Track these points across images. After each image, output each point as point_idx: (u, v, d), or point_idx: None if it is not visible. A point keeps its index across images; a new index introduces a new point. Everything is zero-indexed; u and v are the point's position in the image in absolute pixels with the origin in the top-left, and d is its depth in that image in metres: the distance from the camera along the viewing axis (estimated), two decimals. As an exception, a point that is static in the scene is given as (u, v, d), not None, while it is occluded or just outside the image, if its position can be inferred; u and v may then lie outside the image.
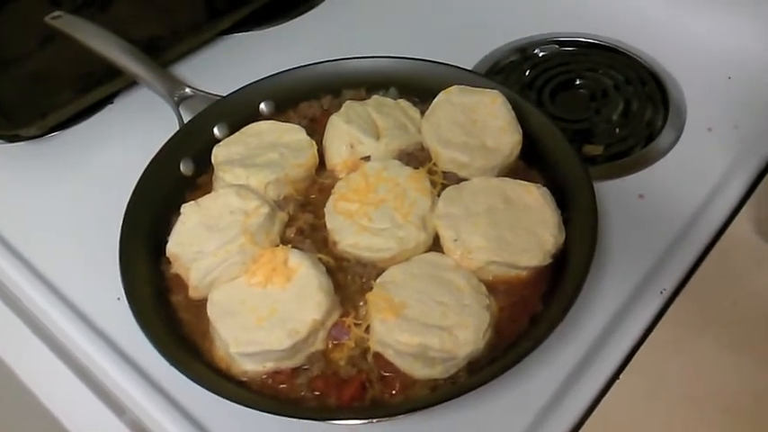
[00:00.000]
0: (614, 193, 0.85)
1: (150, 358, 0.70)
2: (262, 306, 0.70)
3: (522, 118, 0.83)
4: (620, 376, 0.70)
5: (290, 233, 0.78)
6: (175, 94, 0.93)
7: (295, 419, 0.64)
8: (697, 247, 0.79)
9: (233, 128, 0.89)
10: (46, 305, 0.81)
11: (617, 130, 0.95)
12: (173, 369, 0.65)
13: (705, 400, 0.68)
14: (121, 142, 0.99)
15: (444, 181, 0.81)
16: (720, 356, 0.71)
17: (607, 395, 0.69)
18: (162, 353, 0.66)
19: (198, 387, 0.64)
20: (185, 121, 0.90)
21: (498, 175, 0.81)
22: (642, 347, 0.72)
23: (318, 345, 0.69)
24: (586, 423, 0.67)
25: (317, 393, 0.67)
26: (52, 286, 0.83)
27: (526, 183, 0.78)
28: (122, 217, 0.77)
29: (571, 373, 0.70)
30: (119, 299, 0.73)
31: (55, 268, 0.85)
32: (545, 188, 0.77)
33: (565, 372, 0.71)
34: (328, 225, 0.77)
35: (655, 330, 0.73)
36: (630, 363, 0.71)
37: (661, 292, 0.75)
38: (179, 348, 0.70)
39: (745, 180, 0.85)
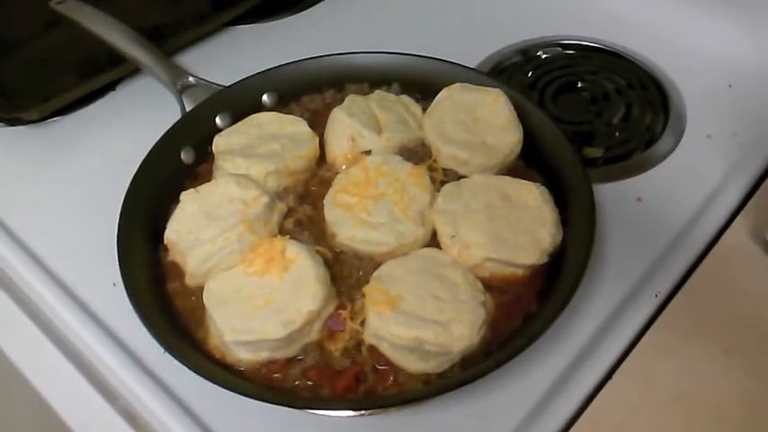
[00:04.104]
0: (613, 196, 0.85)
1: (145, 345, 0.71)
2: (258, 295, 0.70)
3: (523, 117, 0.84)
4: (613, 377, 0.70)
5: (289, 224, 0.78)
6: (178, 82, 0.93)
7: (288, 409, 0.65)
8: (693, 252, 0.79)
9: (235, 118, 0.89)
10: (41, 288, 0.81)
11: (617, 133, 0.95)
12: (167, 356, 0.65)
13: (696, 403, 0.68)
14: (123, 129, 0.99)
15: (444, 178, 0.81)
16: (713, 360, 0.71)
17: (599, 395, 0.69)
18: (157, 339, 0.66)
19: (192, 374, 0.64)
20: (187, 110, 0.90)
21: (498, 174, 0.81)
22: (635, 349, 0.72)
23: (314, 336, 0.69)
24: (577, 422, 0.67)
25: (311, 384, 0.67)
26: (48, 270, 0.83)
27: (525, 181, 0.78)
28: (121, 203, 0.77)
29: (564, 372, 0.71)
30: (115, 284, 0.73)
31: (52, 252, 0.85)
32: (544, 187, 0.78)
33: (558, 370, 0.71)
34: (327, 217, 0.77)
35: (648, 332, 0.73)
36: (623, 364, 0.71)
37: (656, 295, 0.75)
38: (174, 335, 0.70)
39: (742, 187, 0.85)
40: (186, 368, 0.64)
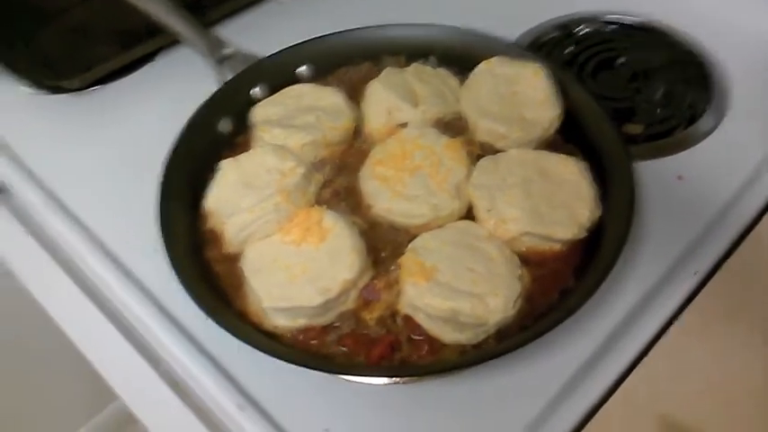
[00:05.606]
0: (653, 173, 0.84)
1: (185, 309, 0.71)
2: (295, 264, 0.71)
3: (562, 93, 0.83)
4: (648, 355, 0.70)
5: (326, 195, 0.79)
6: (217, 53, 0.94)
7: (325, 374, 0.66)
8: (733, 232, 0.78)
9: (272, 89, 0.89)
10: (86, 253, 0.83)
11: (658, 110, 0.93)
12: (208, 321, 0.66)
13: (730, 384, 0.68)
14: (162, 99, 1.00)
15: (481, 152, 0.81)
16: (749, 342, 0.70)
17: (632, 374, 0.69)
18: (198, 304, 0.67)
19: (232, 339, 0.65)
20: (226, 81, 0.90)
21: (536, 149, 0.80)
22: (671, 328, 0.71)
23: (349, 304, 0.70)
24: (610, 400, 0.67)
25: (346, 351, 0.68)
26: (93, 236, 0.85)
27: (564, 156, 0.77)
28: (161, 171, 0.78)
29: (598, 349, 0.70)
30: (156, 250, 0.74)
31: (95, 218, 0.87)
32: (583, 162, 0.77)
33: (593, 346, 0.70)
34: (363, 189, 0.78)
35: (685, 312, 0.72)
36: (658, 343, 0.70)
37: (694, 274, 0.75)
38: (214, 301, 0.71)
39: (786, 167, 0.84)
40: (228, 333, 0.65)
